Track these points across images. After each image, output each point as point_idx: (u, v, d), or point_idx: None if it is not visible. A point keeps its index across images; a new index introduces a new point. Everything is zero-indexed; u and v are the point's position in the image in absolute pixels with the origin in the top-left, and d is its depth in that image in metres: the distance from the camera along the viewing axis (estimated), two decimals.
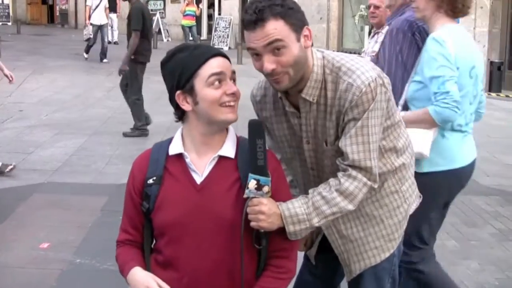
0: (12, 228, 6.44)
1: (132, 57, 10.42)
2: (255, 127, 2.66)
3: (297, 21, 2.70)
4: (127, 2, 11.19)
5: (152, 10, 31.08)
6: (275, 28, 2.63)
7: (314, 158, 2.99)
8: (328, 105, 2.82)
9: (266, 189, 2.62)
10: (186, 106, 2.66)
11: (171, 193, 2.67)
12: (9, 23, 36.34)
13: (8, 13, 37.84)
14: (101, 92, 14.93)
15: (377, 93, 2.74)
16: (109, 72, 17.44)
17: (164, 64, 2.71)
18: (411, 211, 3.20)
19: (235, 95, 2.64)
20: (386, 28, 6.63)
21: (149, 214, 2.72)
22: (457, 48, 3.88)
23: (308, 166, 3.04)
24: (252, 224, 2.62)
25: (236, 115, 2.67)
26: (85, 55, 21.15)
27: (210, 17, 30.21)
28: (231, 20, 26.83)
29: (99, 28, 21.01)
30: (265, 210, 2.61)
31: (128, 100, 10.86)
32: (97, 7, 21.18)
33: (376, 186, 2.86)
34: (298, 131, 2.96)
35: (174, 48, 2.73)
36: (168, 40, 29.23)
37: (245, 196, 2.62)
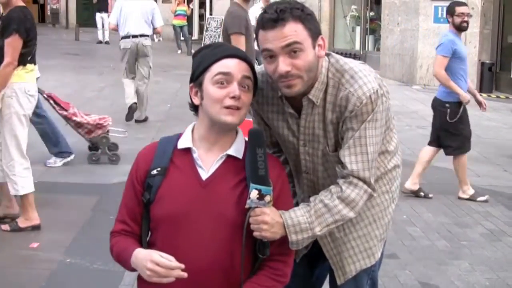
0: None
1: None
2: (255, 136, 2.65)
3: (314, 28, 2.73)
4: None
5: None
6: (295, 30, 2.66)
7: (310, 162, 2.99)
8: (326, 109, 2.84)
9: (268, 198, 2.61)
10: (195, 100, 2.70)
11: (175, 185, 2.66)
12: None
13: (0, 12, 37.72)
14: (92, 92, 14.87)
15: (377, 104, 2.77)
16: (100, 71, 17.41)
17: (193, 57, 2.78)
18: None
19: (237, 99, 2.62)
20: None
21: (149, 206, 2.70)
22: None
23: (303, 169, 3.04)
24: (255, 234, 2.62)
25: (237, 119, 2.65)
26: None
27: (201, 17, 30.18)
28: (222, 20, 26.76)
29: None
30: (268, 220, 2.61)
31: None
32: None
33: (375, 194, 2.88)
34: (296, 132, 2.95)
35: (207, 44, 2.81)
36: (159, 40, 29.16)
37: (247, 206, 2.61)
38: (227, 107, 2.62)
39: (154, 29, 11.83)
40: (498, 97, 15.73)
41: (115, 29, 11.74)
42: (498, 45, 16.97)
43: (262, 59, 2.79)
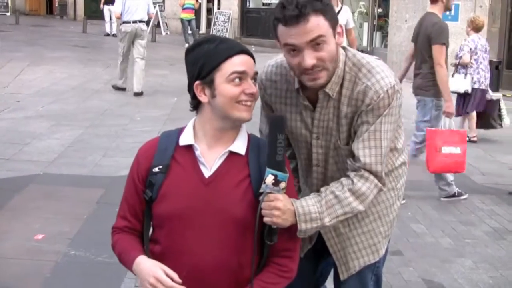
0: (7, 219, 6.43)
1: None
2: (277, 122, 2.64)
3: (333, 17, 2.72)
4: None
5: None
6: (318, 23, 2.64)
7: (322, 155, 3.00)
8: (341, 102, 2.85)
9: (283, 185, 2.59)
10: (203, 98, 2.64)
11: (177, 183, 2.64)
12: (8, 14, 36.27)
13: (7, 3, 37.76)
14: (98, 84, 14.91)
15: (393, 99, 2.79)
16: (107, 64, 17.43)
17: (188, 52, 2.71)
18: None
19: (253, 96, 2.62)
20: None
21: (151, 203, 2.68)
22: None
23: (314, 163, 3.04)
24: (266, 219, 2.60)
25: (250, 115, 2.65)
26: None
27: (209, 11, 30.18)
28: (230, 14, 26.78)
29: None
30: (281, 206, 2.59)
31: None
32: None
33: (384, 188, 2.90)
34: (309, 125, 2.96)
35: (201, 38, 2.73)
36: (167, 34, 29.16)
37: (261, 190, 2.60)
38: (244, 104, 2.61)
39: (148, 14, 14.55)
40: (504, 95, 15.67)
41: (119, 17, 14.30)
42: (505, 43, 16.93)
43: (284, 53, 2.77)
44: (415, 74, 7.60)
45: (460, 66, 10.57)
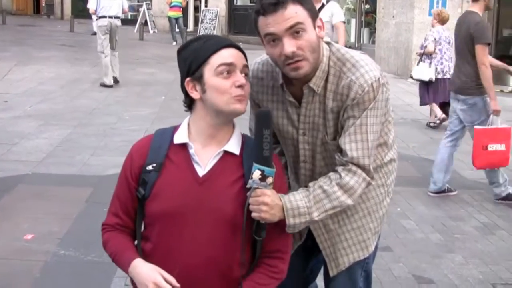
0: None
1: None
2: (263, 117, 2.64)
3: (312, 8, 2.74)
4: None
5: (138, 1, 31.01)
6: (296, 11, 2.66)
7: (308, 150, 3.00)
8: (326, 97, 2.85)
9: (270, 180, 2.60)
10: (195, 94, 2.65)
11: (171, 182, 2.63)
12: None
13: None
14: (86, 83, 14.87)
15: (378, 92, 2.79)
16: (95, 63, 17.37)
17: (179, 52, 2.73)
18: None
19: (243, 88, 2.61)
20: None
21: (144, 201, 2.67)
22: None
23: (301, 159, 3.04)
24: (254, 215, 2.60)
25: (244, 107, 2.64)
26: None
27: (196, 9, 30.15)
28: (217, 12, 26.76)
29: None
30: (268, 202, 2.59)
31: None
32: None
33: (373, 182, 2.90)
34: (296, 121, 2.96)
35: (191, 38, 2.76)
36: (154, 32, 29.11)
37: (248, 186, 2.60)
38: (235, 96, 2.60)
39: (122, 10, 15.31)
40: None
41: (94, 13, 15.16)
42: (493, 38, 16.97)
43: (265, 45, 2.77)
44: (456, 74, 7.56)
45: (425, 56, 11.26)
